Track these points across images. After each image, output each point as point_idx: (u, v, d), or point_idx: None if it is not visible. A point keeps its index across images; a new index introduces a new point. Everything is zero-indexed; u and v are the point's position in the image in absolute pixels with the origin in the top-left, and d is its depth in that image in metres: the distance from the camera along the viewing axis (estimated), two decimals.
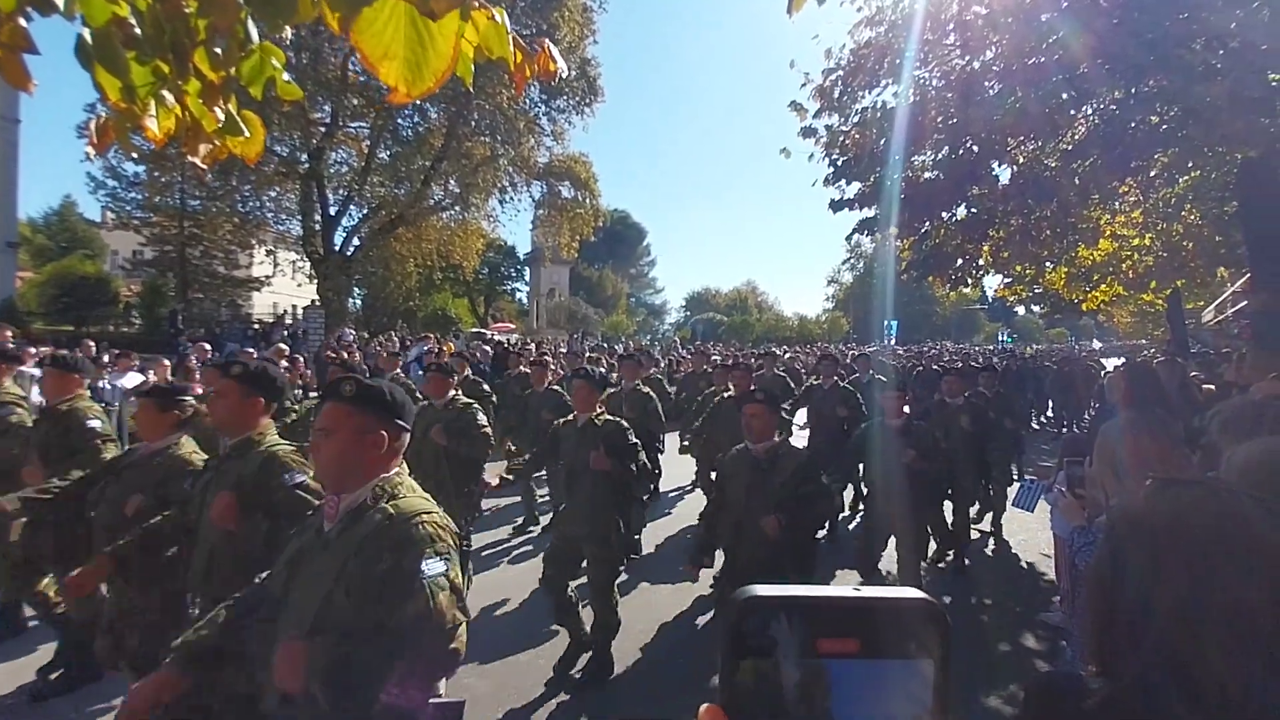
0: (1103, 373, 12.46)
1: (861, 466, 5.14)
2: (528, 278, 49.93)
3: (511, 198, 22.61)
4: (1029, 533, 6.58)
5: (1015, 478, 6.78)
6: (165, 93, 1.30)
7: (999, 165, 7.74)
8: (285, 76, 1.35)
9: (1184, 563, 0.80)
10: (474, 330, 28.94)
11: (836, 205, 8.19)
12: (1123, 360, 9.46)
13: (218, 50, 1.21)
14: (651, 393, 6.68)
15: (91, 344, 10.34)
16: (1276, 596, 0.76)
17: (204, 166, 1.41)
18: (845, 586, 0.43)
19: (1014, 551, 6.26)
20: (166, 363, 9.34)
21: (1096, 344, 54.72)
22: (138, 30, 1.20)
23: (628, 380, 6.79)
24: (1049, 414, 15.69)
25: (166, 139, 1.36)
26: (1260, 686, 0.73)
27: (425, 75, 1.11)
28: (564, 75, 1.48)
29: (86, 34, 1.17)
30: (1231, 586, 0.77)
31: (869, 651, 0.40)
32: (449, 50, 1.09)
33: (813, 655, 0.39)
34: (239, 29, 1.21)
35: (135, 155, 18.90)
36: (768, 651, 0.40)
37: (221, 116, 1.32)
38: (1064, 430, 13.70)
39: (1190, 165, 9.19)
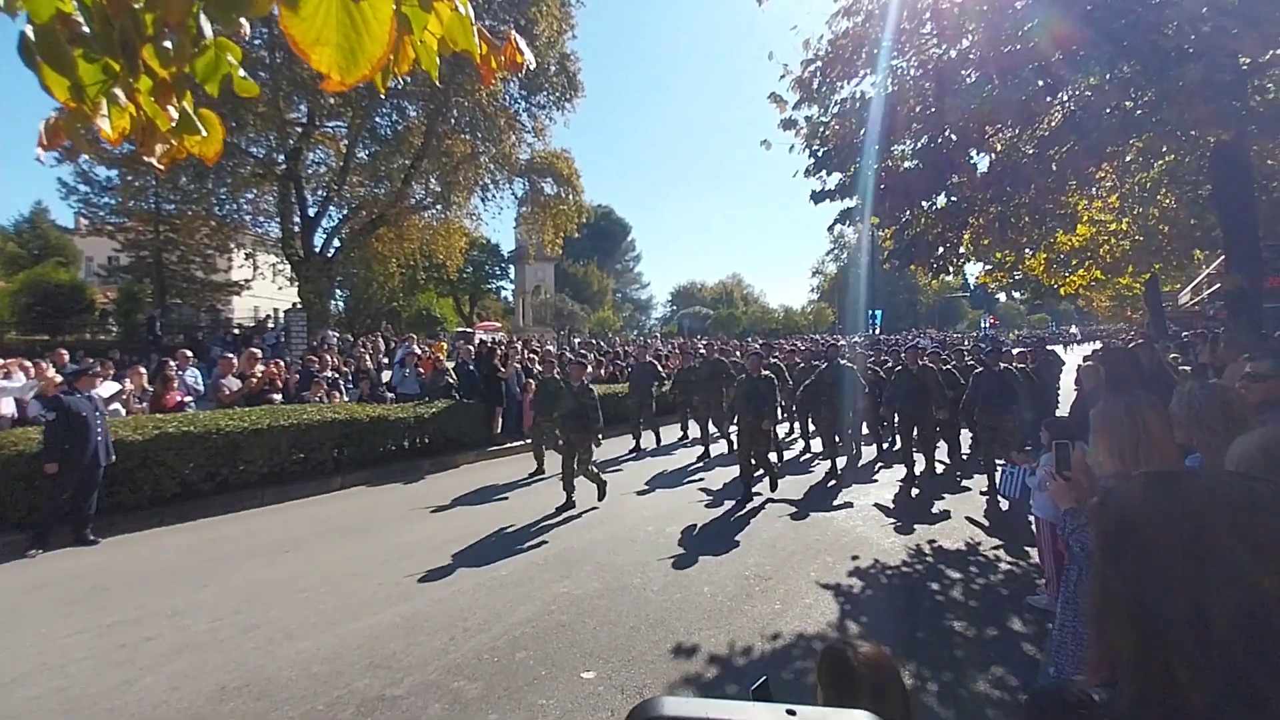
0: (1064, 367, 11.67)
1: None
2: (512, 276, 49.73)
3: (494, 195, 22.50)
4: (1015, 516, 6.65)
5: None
6: (117, 91, 1.25)
7: (977, 153, 7.79)
8: (241, 73, 1.30)
9: (1155, 565, 0.74)
10: (459, 330, 28.77)
11: (817, 196, 8.19)
12: (1098, 346, 9.36)
13: (168, 46, 1.16)
14: None
15: (64, 353, 10.12)
16: (1246, 608, 0.67)
17: (160, 167, 1.37)
18: (779, 706, 0.38)
19: (999, 536, 6.32)
20: (143, 370, 9.19)
21: (1074, 329, 55.29)
22: (84, 27, 1.15)
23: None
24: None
25: (121, 138, 1.31)
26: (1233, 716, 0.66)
27: (360, 62, 1.07)
28: (532, 67, 1.45)
29: (30, 31, 1.12)
30: (1194, 592, 0.69)
31: None
32: (384, 36, 1.05)
33: None
34: (190, 24, 1.17)
35: (106, 159, 18.55)
36: None
37: (176, 115, 1.28)
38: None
39: (1164, 150, 9.30)
